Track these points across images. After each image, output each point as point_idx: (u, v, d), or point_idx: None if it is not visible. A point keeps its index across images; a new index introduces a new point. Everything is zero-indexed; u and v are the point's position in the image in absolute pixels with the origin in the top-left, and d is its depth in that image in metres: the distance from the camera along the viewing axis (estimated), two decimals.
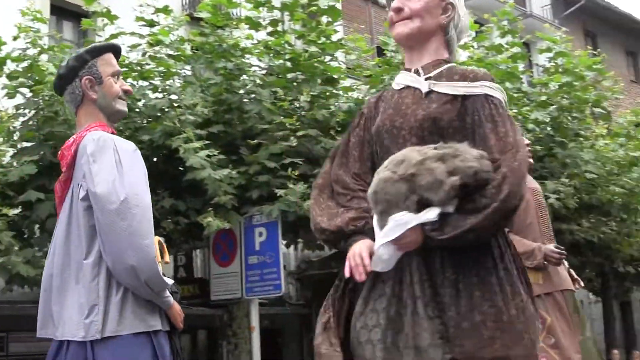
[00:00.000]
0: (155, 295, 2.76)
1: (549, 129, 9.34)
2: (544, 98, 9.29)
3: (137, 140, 7.12)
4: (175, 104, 7.26)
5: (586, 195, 9.40)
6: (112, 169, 2.70)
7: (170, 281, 2.84)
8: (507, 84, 8.74)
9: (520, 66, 9.32)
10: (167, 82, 7.60)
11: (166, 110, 7.27)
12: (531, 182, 4.84)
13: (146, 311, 2.76)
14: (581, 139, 9.58)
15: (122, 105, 2.96)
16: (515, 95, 9.16)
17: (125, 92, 2.97)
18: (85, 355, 2.66)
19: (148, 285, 2.71)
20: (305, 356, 14.02)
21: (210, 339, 12.99)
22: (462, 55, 9.05)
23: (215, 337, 11.97)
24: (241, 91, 7.36)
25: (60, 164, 2.92)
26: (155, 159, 7.49)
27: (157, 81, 7.62)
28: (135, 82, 7.57)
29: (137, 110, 7.39)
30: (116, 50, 3.02)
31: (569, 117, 9.41)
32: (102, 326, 2.66)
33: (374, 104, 2.60)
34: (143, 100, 7.48)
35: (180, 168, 7.18)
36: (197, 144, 6.57)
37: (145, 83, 7.64)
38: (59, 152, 2.94)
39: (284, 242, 8.42)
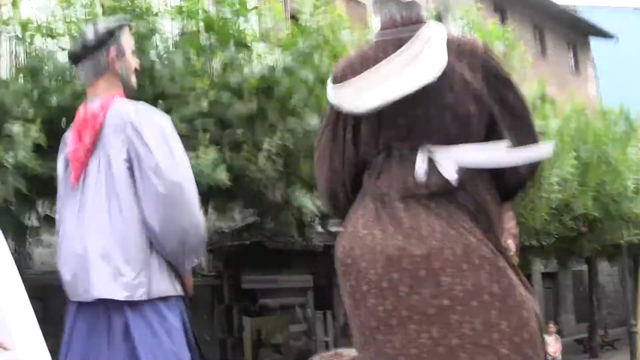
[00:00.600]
0: (184, 263, 2.96)
1: None
2: None
3: (46, 106, 6.92)
4: None
5: None
6: (164, 141, 2.85)
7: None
8: None
9: None
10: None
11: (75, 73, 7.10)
12: None
13: (175, 277, 2.95)
14: None
15: (134, 82, 3.08)
16: None
17: (136, 69, 3.09)
18: (125, 315, 2.80)
19: (191, 251, 2.93)
20: (215, 327, 14.00)
21: None
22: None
23: None
24: (152, 53, 7.20)
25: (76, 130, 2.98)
26: (64, 122, 7.29)
27: (67, 43, 7.40)
28: (44, 44, 7.35)
29: (45, 72, 7.18)
30: (130, 27, 3.18)
31: None
32: (147, 288, 2.83)
33: None
34: (52, 62, 7.28)
35: None
36: None
37: (54, 45, 7.42)
38: (77, 118, 2.99)
39: None
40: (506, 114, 2.44)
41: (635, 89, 26.28)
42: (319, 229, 10.55)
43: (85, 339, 2.84)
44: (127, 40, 3.04)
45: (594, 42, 31.53)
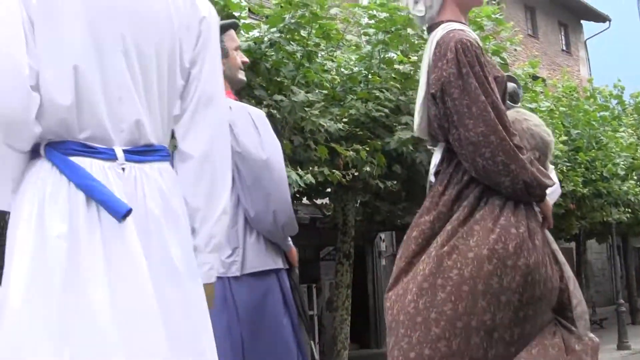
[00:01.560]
0: (283, 239, 3.44)
1: None
2: None
3: None
4: None
5: None
6: (252, 132, 3.25)
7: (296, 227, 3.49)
8: (409, 30, 8.73)
9: None
10: None
11: None
12: None
13: (274, 252, 3.40)
14: None
15: (242, 75, 3.48)
16: (416, 42, 9.17)
17: (243, 63, 3.48)
18: (224, 289, 3.21)
19: (283, 229, 3.36)
20: None
21: None
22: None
23: None
24: None
25: None
26: None
27: None
28: None
29: None
30: (236, 26, 3.60)
31: None
32: (241, 265, 3.28)
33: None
34: None
35: None
36: None
37: None
38: None
39: None
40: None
41: (627, 71, 26.24)
42: (305, 200, 10.51)
43: None
44: (230, 41, 3.38)
45: (586, 24, 31.52)
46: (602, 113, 15.87)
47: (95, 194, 1.76)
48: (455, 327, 2.51)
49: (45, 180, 1.79)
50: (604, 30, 31.23)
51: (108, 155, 1.84)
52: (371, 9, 8.62)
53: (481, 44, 2.79)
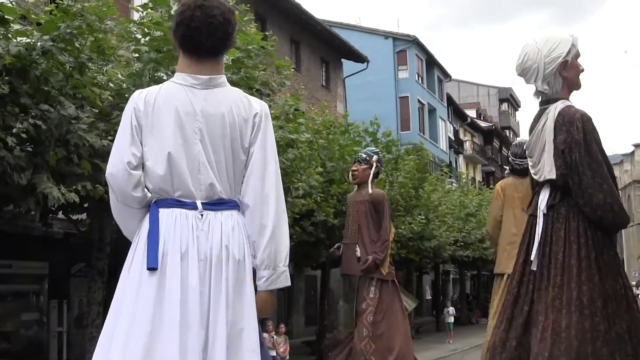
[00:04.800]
0: None
1: None
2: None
3: None
4: None
5: None
6: None
7: None
8: None
9: None
10: None
11: None
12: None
13: None
14: None
15: None
16: None
17: None
18: None
19: None
20: None
21: None
22: (140, 14, 8.94)
23: None
24: None
25: None
26: None
27: None
28: None
29: None
30: None
31: None
32: None
33: None
34: None
35: None
36: None
37: None
38: None
39: None
40: None
41: (378, 110, 27.91)
42: (61, 215, 10.16)
43: None
44: None
45: (346, 63, 33.07)
46: (355, 148, 16.72)
47: (147, 244, 2.93)
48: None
49: (145, 226, 2.99)
50: (362, 70, 32.98)
51: (192, 206, 2.96)
52: (146, 26, 8.59)
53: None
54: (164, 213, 2.94)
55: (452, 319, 24.82)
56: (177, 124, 2.95)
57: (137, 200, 2.98)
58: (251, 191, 3.02)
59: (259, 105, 3.10)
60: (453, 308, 26.09)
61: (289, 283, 3.06)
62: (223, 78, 3.09)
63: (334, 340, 7.60)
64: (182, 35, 3.04)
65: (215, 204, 2.97)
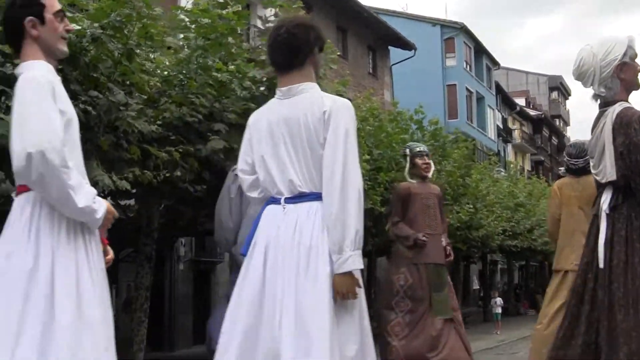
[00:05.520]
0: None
1: (262, 88, 9.56)
2: (263, 57, 9.49)
3: None
4: None
5: None
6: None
7: None
8: (230, 39, 8.82)
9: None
10: None
11: None
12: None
13: None
14: None
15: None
16: (235, 51, 9.27)
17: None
18: None
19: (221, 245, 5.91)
20: None
21: None
22: (188, 3, 9.00)
23: None
24: None
25: None
26: None
27: None
28: None
29: None
30: None
31: None
32: None
33: None
34: None
35: None
36: None
37: None
38: None
39: None
40: None
41: (425, 98, 27.68)
42: (109, 200, 10.28)
43: None
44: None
45: (393, 50, 32.91)
46: (403, 136, 16.62)
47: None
48: None
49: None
50: (409, 57, 32.79)
51: (279, 201, 3.47)
52: (194, 13, 8.63)
53: None
54: (266, 209, 3.53)
55: (499, 310, 24.62)
56: (268, 132, 3.51)
57: (255, 195, 3.67)
58: (323, 182, 3.38)
59: (330, 102, 3.44)
60: (501, 299, 25.88)
61: (356, 266, 3.31)
62: (303, 85, 3.52)
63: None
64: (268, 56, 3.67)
65: (296, 197, 3.42)
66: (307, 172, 3.41)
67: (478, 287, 38.14)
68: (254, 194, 3.63)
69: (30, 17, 3.10)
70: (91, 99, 6.87)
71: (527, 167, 59.34)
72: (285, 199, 3.43)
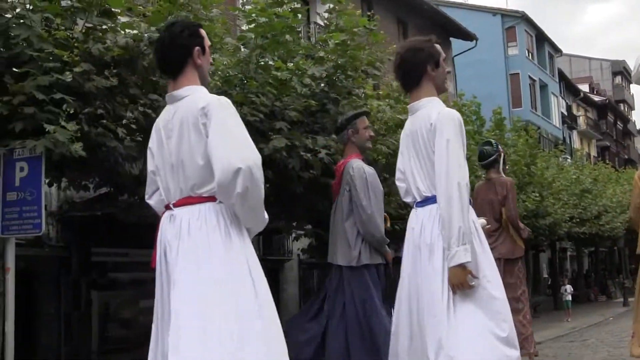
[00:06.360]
0: (378, 245, 5.80)
1: (322, 85, 9.49)
2: (322, 54, 9.42)
3: None
4: None
5: None
6: (364, 190, 5.81)
7: (386, 240, 5.88)
8: (287, 37, 8.77)
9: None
10: None
11: None
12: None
13: (375, 252, 5.80)
14: (354, 97, 9.80)
15: (369, 144, 6.30)
16: (293, 49, 9.23)
17: (370, 137, 6.23)
18: (342, 274, 5.84)
19: (373, 241, 5.78)
20: (62, 300, 13.49)
21: None
22: (248, 3, 8.96)
23: None
24: (8, 15, 6.76)
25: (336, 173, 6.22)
26: None
27: None
28: None
29: None
30: (368, 114, 6.77)
31: (344, 75, 9.57)
32: (357, 260, 5.77)
33: None
34: None
35: None
36: None
37: None
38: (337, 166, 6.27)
39: (47, 180, 7.91)
40: None
41: (488, 88, 27.30)
42: None
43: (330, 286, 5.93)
44: (361, 122, 6.14)
45: (454, 42, 32.53)
46: (468, 127, 16.44)
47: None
48: None
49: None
50: (471, 48, 32.39)
51: (413, 206, 4.13)
52: (251, 13, 8.59)
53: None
54: (410, 214, 4.18)
55: (570, 297, 24.28)
56: (405, 145, 4.21)
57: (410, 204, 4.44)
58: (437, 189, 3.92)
59: (436, 114, 3.99)
60: (571, 286, 25.46)
61: (461, 260, 3.73)
62: (422, 102, 4.13)
63: None
64: None
65: (423, 201, 4.02)
66: (429, 179, 3.97)
67: (547, 275, 37.57)
68: (408, 200, 4.22)
69: (198, 47, 3.50)
70: (151, 102, 6.86)
71: (593, 153, 58.24)
72: (416, 203, 4.06)
